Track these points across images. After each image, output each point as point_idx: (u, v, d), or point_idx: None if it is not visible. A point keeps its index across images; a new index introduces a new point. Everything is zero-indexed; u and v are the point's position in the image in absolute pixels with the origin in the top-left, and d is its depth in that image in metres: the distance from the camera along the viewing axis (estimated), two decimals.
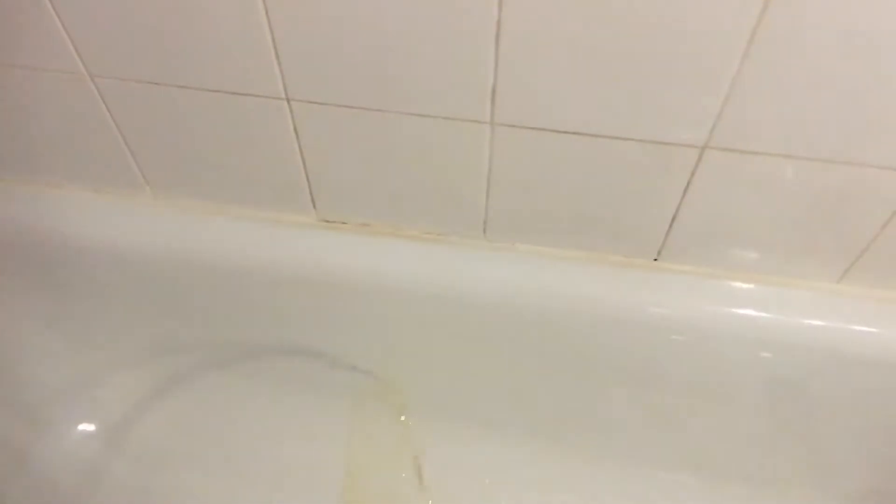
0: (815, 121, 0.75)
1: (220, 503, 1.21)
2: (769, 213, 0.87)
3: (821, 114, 0.74)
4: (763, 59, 0.70)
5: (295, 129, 0.90)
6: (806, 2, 0.65)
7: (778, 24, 0.67)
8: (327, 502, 1.20)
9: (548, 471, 1.21)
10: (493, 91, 0.79)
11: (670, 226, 0.91)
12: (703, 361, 1.01)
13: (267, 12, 0.76)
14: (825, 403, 1.03)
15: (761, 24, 0.67)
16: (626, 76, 0.75)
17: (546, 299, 0.99)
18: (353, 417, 1.25)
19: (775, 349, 0.97)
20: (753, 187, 0.84)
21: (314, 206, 1.02)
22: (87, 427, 1.27)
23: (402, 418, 1.23)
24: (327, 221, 1.04)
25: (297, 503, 1.21)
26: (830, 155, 0.78)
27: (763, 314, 0.95)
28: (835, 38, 0.67)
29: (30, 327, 1.22)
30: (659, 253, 0.96)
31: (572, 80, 0.76)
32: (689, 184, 0.85)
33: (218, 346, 1.22)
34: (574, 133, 0.82)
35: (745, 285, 0.96)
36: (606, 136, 0.81)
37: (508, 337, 1.05)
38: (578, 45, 0.73)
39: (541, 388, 1.13)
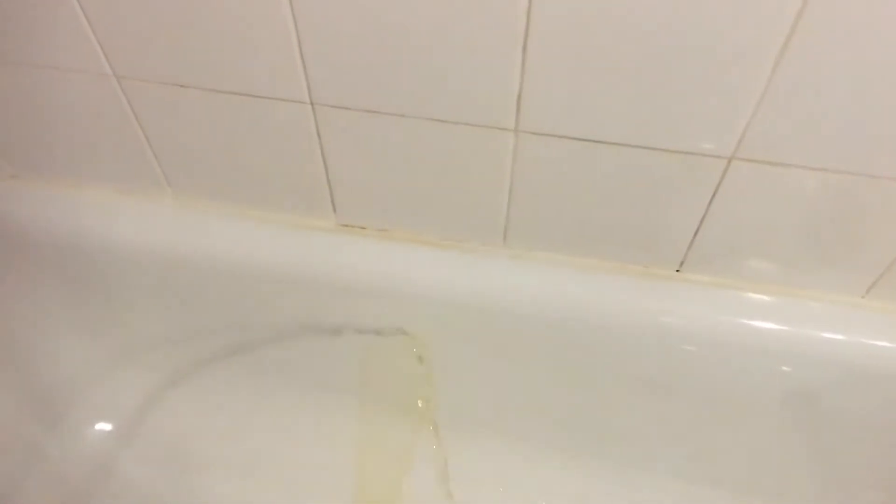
0: (844, 133, 0.74)
1: (232, 500, 1.20)
2: (795, 225, 0.86)
3: (850, 126, 0.73)
4: (794, 69, 0.69)
5: (318, 133, 0.90)
6: (839, 13, 0.64)
7: (810, 35, 0.66)
8: (341, 500, 1.20)
9: (562, 480, 1.20)
10: (519, 98, 0.78)
11: (694, 236, 0.90)
12: (724, 374, 1.00)
13: (294, 16, 0.76)
14: (845, 418, 1.01)
15: (794, 34, 0.66)
16: (654, 85, 0.74)
17: (565, 308, 0.99)
18: (365, 419, 1.25)
19: (796, 363, 0.96)
20: (779, 199, 0.83)
21: (334, 211, 1.02)
22: (102, 425, 1.28)
23: (419, 403, 1.22)
24: (347, 226, 1.04)
25: (311, 499, 1.20)
26: (858, 168, 0.77)
27: (785, 327, 0.94)
28: (867, 49, 0.66)
29: (50, 324, 1.22)
30: (681, 264, 0.95)
31: (599, 88, 0.76)
32: (714, 194, 0.84)
33: (235, 347, 1.21)
34: (599, 142, 0.81)
35: (767, 298, 0.95)
36: (632, 146, 0.80)
37: (526, 345, 1.05)
38: (606, 53, 0.72)
39: (558, 397, 1.12)
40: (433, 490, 1.21)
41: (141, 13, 0.81)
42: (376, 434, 1.25)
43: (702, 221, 0.88)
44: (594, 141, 0.81)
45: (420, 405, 1.21)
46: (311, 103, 0.86)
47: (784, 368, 0.97)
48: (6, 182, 1.10)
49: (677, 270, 0.96)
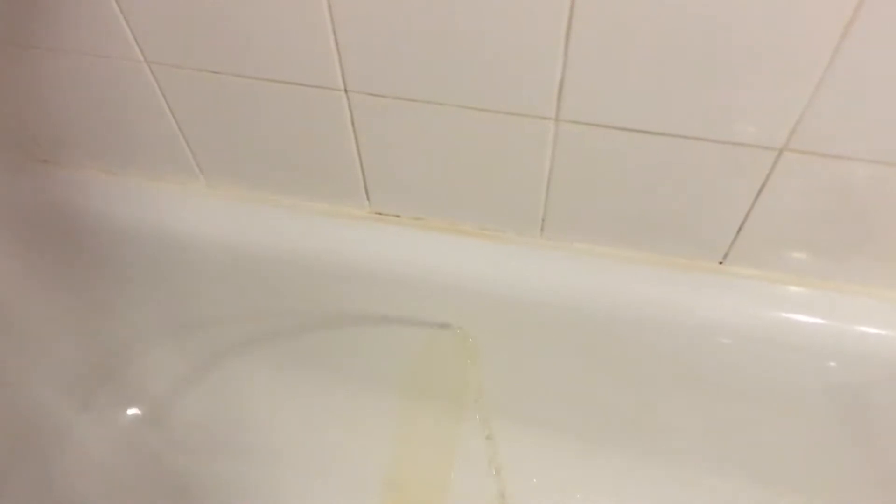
0: None
1: (261, 486, 1.21)
2: (844, 218, 0.83)
3: None
4: (855, 56, 0.65)
5: (352, 121, 0.88)
6: None
7: (872, 20, 0.63)
8: (369, 490, 1.19)
9: (598, 473, 1.19)
10: (561, 86, 0.76)
11: (739, 229, 0.87)
12: (767, 369, 0.97)
13: (328, 1, 0.74)
14: (890, 416, 0.99)
15: (857, 17, 0.63)
16: (703, 73, 0.71)
17: (604, 300, 0.96)
18: (400, 409, 1.24)
19: (843, 359, 0.93)
20: (830, 191, 0.80)
21: (368, 199, 1.00)
22: (133, 409, 1.29)
23: (457, 393, 1.21)
24: (380, 214, 1.02)
25: (339, 486, 1.20)
26: None
27: (832, 322, 0.91)
28: None
29: (81, 311, 1.23)
30: (725, 256, 0.92)
31: (644, 76, 0.73)
32: (762, 187, 0.81)
33: (267, 334, 1.21)
34: (643, 132, 0.78)
35: (813, 292, 0.92)
36: (678, 136, 0.77)
37: (563, 337, 1.03)
38: (652, 40, 0.69)
39: (596, 390, 1.10)
40: (469, 480, 1.20)
41: None
42: (413, 424, 1.24)
43: (748, 214, 0.85)
44: (638, 131, 0.78)
45: (457, 395, 1.20)
46: (346, 90, 0.84)
47: (830, 364, 0.94)
48: (37, 166, 1.10)
49: (720, 263, 0.94)
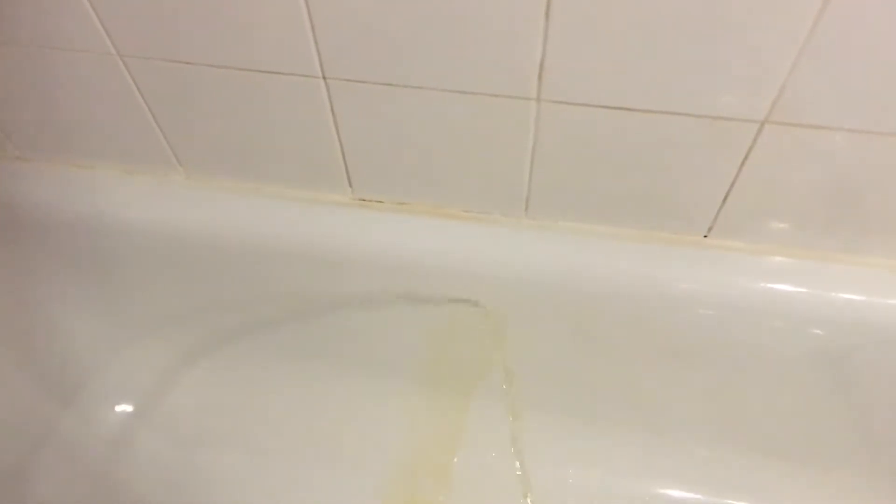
0: (880, 94, 0.71)
1: (259, 478, 1.21)
2: (827, 188, 0.83)
3: (886, 87, 0.70)
4: (835, 27, 0.66)
5: (331, 108, 0.87)
6: None
7: None
8: (368, 481, 1.20)
9: (589, 448, 1.19)
10: (541, 66, 0.75)
11: (723, 202, 0.88)
12: (754, 338, 0.98)
13: None
14: (875, 380, 1.00)
15: None
16: (682, 49, 0.71)
17: (590, 278, 0.97)
18: (411, 412, 1.25)
19: (827, 326, 0.94)
20: (812, 162, 0.80)
21: (350, 185, 0.99)
22: (121, 404, 1.27)
23: (447, 374, 1.22)
24: (363, 200, 1.01)
25: (341, 476, 1.20)
26: (894, 129, 0.74)
27: (816, 291, 0.92)
28: None
29: (64, 306, 1.21)
30: (710, 230, 0.93)
31: (624, 54, 0.73)
32: (745, 159, 0.81)
33: (253, 324, 1.20)
34: (624, 108, 0.78)
35: (798, 262, 0.93)
36: (660, 112, 0.77)
37: (551, 316, 1.03)
38: (632, 16, 0.69)
39: (585, 366, 1.10)
40: (470, 458, 1.21)
41: None
42: (417, 409, 1.24)
43: (731, 186, 0.85)
44: (620, 108, 0.78)
45: (447, 377, 1.20)
46: (324, 77, 0.83)
47: (815, 331, 0.95)
48: (12, 164, 1.08)
49: (705, 236, 0.94)
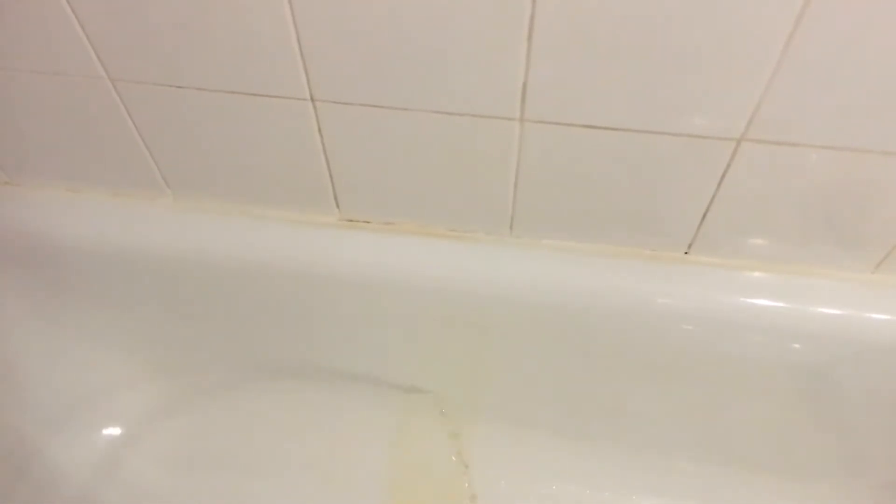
0: (853, 111, 0.74)
1: (249, 502, 1.20)
2: (805, 204, 0.86)
3: (860, 103, 0.73)
4: (806, 48, 0.68)
5: (319, 130, 0.88)
6: None
7: (823, 12, 0.65)
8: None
9: (574, 465, 1.20)
10: (524, 87, 0.77)
11: (702, 219, 0.90)
12: (734, 354, 0.99)
13: (292, 11, 0.75)
14: (856, 394, 1.02)
15: (805, 12, 0.65)
16: (661, 70, 0.73)
17: (573, 295, 0.98)
18: (397, 429, 1.25)
19: (807, 340, 0.96)
20: (789, 178, 0.83)
21: (337, 206, 1.00)
22: (110, 429, 1.27)
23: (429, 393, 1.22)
24: (351, 221, 1.02)
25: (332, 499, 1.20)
26: (868, 145, 0.77)
27: (795, 305, 0.94)
28: (879, 25, 0.66)
29: (52, 333, 1.21)
30: (690, 246, 0.95)
31: (605, 75, 0.75)
32: (723, 176, 0.83)
33: (244, 345, 1.21)
34: (606, 128, 0.80)
35: (777, 277, 0.95)
36: (640, 131, 0.79)
37: (536, 333, 1.04)
38: (611, 39, 0.71)
39: (568, 383, 1.12)
40: (448, 474, 1.21)
41: (133, 14, 0.79)
42: (386, 421, 1.24)
43: (710, 204, 0.88)
44: (601, 128, 0.80)
45: (429, 396, 1.21)
46: (312, 100, 0.84)
47: (794, 346, 0.97)
48: (0, 188, 1.08)
49: (686, 253, 0.96)
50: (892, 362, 0.95)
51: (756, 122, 0.76)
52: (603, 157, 0.84)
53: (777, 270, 0.95)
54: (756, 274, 0.95)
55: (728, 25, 0.68)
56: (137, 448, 1.25)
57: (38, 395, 1.21)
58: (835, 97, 0.72)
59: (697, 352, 1.01)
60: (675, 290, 0.96)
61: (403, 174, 0.93)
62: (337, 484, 1.21)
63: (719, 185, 0.84)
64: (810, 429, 1.09)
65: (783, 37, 0.68)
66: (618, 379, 1.09)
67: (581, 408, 1.16)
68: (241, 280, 1.06)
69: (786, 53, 0.69)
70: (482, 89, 0.79)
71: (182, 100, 0.88)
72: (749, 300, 0.95)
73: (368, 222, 1.02)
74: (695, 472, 1.18)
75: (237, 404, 1.27)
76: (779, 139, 0.77)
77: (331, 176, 0.95)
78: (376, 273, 1.02)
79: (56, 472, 1.20)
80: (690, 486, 1.18)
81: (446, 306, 1.03)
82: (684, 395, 1.09)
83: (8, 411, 1.18)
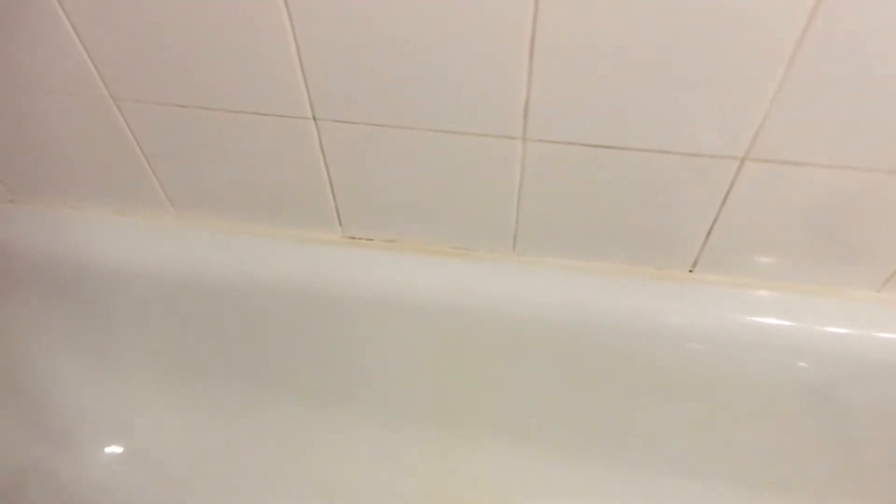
0: (856, 129, 0.73)
1: None
2: (809, 222, 0.85)
3: (864, 122, 0.72)
4: (808, 67, 0.68)
5: (321, 148, 0.88)
6: (853, 8, 0.63)
7: (825, 31, 0.65)
8: None
9: (580, 483, 1.19)
10: (526, 106, 0.77)
11: (707, 237, 0.89)
12: (740, 372, 0.99)
13: (294, 32, 0.75)
14: (862, 413, 1.01)
15: (808, 32, 0.65)
16: (664, 88, 0.73)
17: (577, 312, 0.98)
18: (400, 447, 1.24)
19: (813, 359, 0.95)
20: (793, 197, 0.82)
21: (340, 224, 1.00)
22: (113, 448, 1.26)
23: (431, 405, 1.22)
24: (353, 238, 1.02)
25: None
26: (873, 163, 0.76)
27: (801, 324, 0.93)
28: (882, 44, 0.65)
29: (56, 350, 1.21)
30: (694, 264, 0.94)
31: (607, 93, 0.74)
32: (727, 195, 0.83)
33: (247, 363, 1.20)
34: (608, 147, 0.80)
35: (782, 295, 0.94)
36: (643, 150, 0.79)
37: (539, 351, 1.04)
38: (614, 57, 0.71)
39: (573, 401, 1.11)
40: (448, 491, 1.20)
41: (137, 35, 0.79)
42: (387, 440, 1.24)
43: (714, 222, 0.87)
44: (604, 146, 0.80)
45: (431, 412, 1.20)
46: (314, 118, 0.84)
47: (800, 364, 0.96)
48: (3, 206, 1.09)
49: (690, 271, 0.95)
50: None
51: (759, 142, 0.76)
52: (605, 176, 0.84)
53: (782, 289, 0.94)
54: (761, 292, 0.95)
55: (731, 44, 0.68)
56: (140, 466, 1.25)
57: (40, 412, 1.21)
58: (836, 116, 0.72)
59: (704, 370, 1.00)
60: (680, 309, 0.95)
61: (406, 192, 0.93)
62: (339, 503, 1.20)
63: (723, 203, 0.84)
64: (816, 448, 1.08)
65: (786, 56, 0.67)
66: (623, 397, 1.08)
67: (586, 426, 1.15)
68: (242, 297, 1.06)
69: (789, 73, 0.69)
70: (484, 108, 0.79)
71: (185, 119, 0.89)
72: (755, 318, 0.94)
73: (371, 240, 1.02)
74: (701, 491, 1.16)
75: (240, 422, 1.27)
76: (782, 158, 0.77)
77: (333, 194, 0.95)
78: (379, 290, 1.02)
79: (59, 490, 1.20)
80: None
81: (449, 324, 1.03)
82: (689, 413, 1.08)
83: (11, 427, 1.18)
